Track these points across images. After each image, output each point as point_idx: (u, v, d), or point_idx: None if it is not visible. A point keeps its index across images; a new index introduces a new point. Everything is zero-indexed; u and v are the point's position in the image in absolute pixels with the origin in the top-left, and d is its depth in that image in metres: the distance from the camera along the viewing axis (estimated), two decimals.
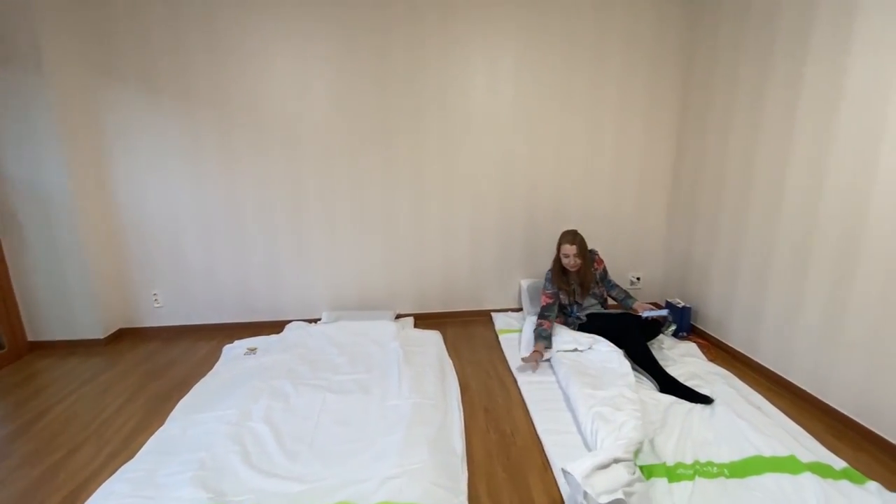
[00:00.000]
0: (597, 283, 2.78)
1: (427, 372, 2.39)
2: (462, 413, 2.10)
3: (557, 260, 2.71)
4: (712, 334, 2.89)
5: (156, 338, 3.11)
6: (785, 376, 2.35)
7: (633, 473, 1.51)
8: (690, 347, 2.74)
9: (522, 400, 2.25)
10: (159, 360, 2.77)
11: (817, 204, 2.13)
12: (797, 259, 2.25)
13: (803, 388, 2.24)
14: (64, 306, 2.90)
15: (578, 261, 2.62)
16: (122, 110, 2.83)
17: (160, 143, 2.89)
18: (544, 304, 2.70)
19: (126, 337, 3.13)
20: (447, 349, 2.79)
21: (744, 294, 2.61)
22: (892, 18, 1.79)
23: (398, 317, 3.31)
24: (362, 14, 2.84)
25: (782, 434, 1.86)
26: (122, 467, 1.74)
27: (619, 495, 1.37)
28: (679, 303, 2.95)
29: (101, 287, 2.94)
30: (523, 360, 2.53)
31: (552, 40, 2.99)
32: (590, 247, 2.78)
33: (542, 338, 2.57)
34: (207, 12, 2.75)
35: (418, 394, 2.16)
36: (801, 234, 2.22)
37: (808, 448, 1.79)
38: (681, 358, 2.58)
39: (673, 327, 2.87)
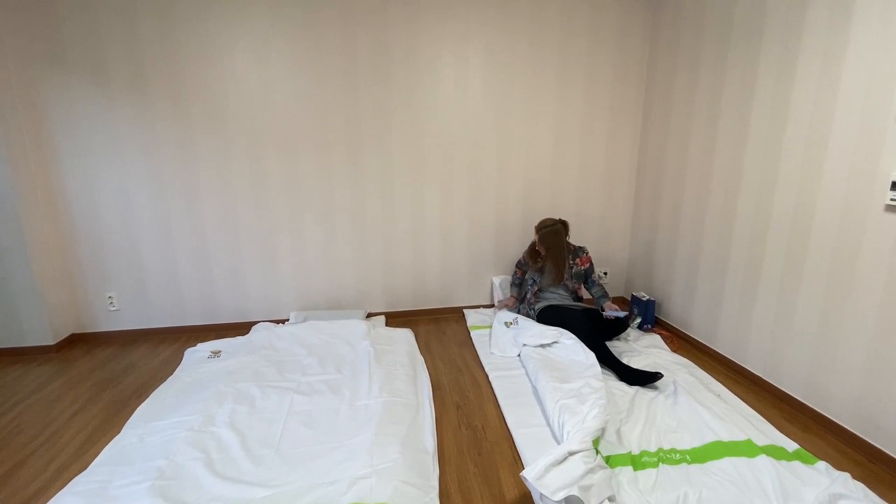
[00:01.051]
0: (570, 277, 2.85)
1: (398, 370, 2.37)
2: (433, 410, 2.10)
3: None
4: (675, 326, 2.99)
5: (112, 343, 2.96)
6: (741, 364, 2.46)
7: (593, 462, 1.54)
8: (655, 339, 2.83)
9: (494, 395, 2.26)
10: (116, 366, 2.64)
11: (769, 205, 2.24)
12: (751, 254, 2.35)
13: (758, 374, 2.35)
14: (8, 311, 2.71)
15: (542, 250, 2.84)
16: (70, 102, 2.66)
17: (113, 136, 2.74)
18: (520, 260, 3.13)
19: (79, 342, 2.96)
20: (419, 347, 2.78)
21: (704, 287, 2.71)
22: (836, 27, 1.90)
23: (369, 315, 3.27)
24: (326, 7, 2.77)
25: (739, 419, 1.94)
26: (73, 480, 1.64)
27: (574, 491, 1.39)
28: (644, 296, 3.03)
29: (49, 290, 2.77)
30: (498, 304, 3.19)
31: (518, 39, 3.02)
32: (579, 244, 3.03)
33: (513, 285, 3.16)
34: (162, 6, 2.62)
35: (389, 392, 2.14)
36: (754, 231, 2.33)
37: (763, 432, 1.87)
38: (645, 349, 2.66)
39: (638, 320, 2.97)
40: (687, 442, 1.82)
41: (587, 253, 2.94)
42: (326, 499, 1.49)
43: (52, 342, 2.80)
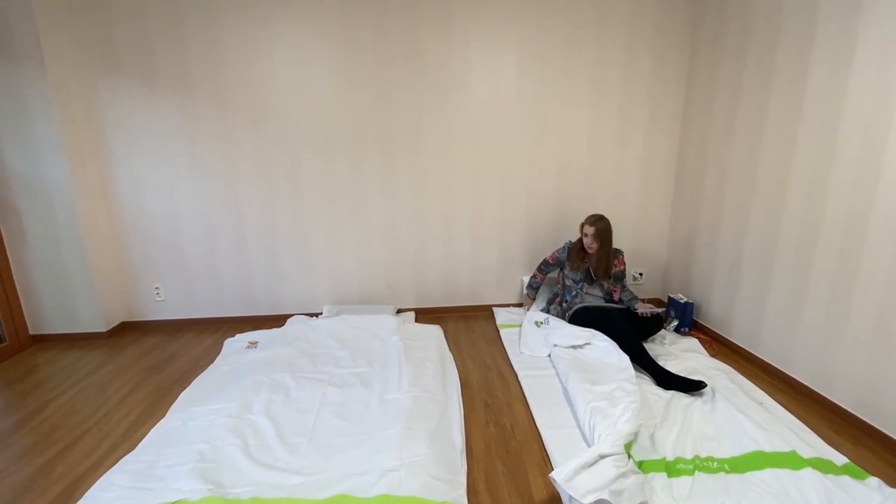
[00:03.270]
0: (609, 278, 2.78)
1: (427, 366, 2.39)
2: (462, 407, 2.10)
3: (580, 236, 2.82)
4: (714, 330, 2.88)
5: (158, 331, 3.12)
6: (786, 371, 2.34)
7: (625, 466, 1.51)
8: (692, 343, 2.73)
9: (523, 394, 2.25)
10: (161, 353, 2.78)
11: (822, 201, 2.11)
12: (800, 255, 2.23)
13: (805, 382, 2.23)
14: (65, 300, 2.91)
15: (595, 245, 2.71)
16: (121, 104, 2.82)
17: (160, 136, 2.88)
18: (545, 260, 3.00)
19: (128, 330, 3.14)
20: (448, 344, 2.79)
21: (747, 289, 2.60)
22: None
23: (399, 311, 3.31)
24: (361, 8, 2.81)
25: (783, 429, 1.85)
26: (123, 459, 1.74)
27: (604, 495, 1.36)
28: (681, 298, 2.93)
29: (102, 281, 2.95)
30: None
31: (553, 32, 2.97)
32: (616, 246, 2.89)
33: (532, 288, 3.12)
34: (207, 4, 2.73)
35: (418, 387, 2.16)
36: (804, 230, 2.21)
37: (809, 443, 1.78)
38: (682, 353, 2.57)
39: (674, 323, 2.88)
40: (726, 450, 1.75)
41: (623, 255, 2.87)
42: (356, 489, 1.52)
43: (104, 329, 2.98)
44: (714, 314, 2.89)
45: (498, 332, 3.01)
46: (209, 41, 2.78)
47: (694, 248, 3.08)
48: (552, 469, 1.71)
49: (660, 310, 2.67)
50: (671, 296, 3.00)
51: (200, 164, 2.95)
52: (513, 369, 2.49)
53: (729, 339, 2.75)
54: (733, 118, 2.65)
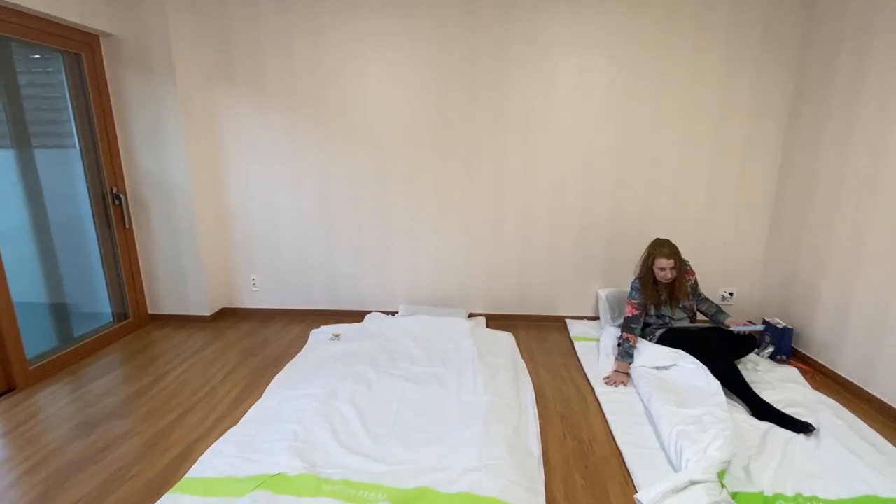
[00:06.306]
0: (688, 296, 2.64)
1: (501, 372, 2.41)
2: (537, 416, 2.10)
3: (649, 269, 2.54)
4: (817, 360, 2.62)
5: (252, 318, 3.42)
6: None
7: (718, 495, 1.43)
8: (790, 372, 2.50)
9: (600, 410, 2.19)
10: (256, 338, 3.05)
11: None
12: None
13: None
14: (179, 285, 3.28)
15: (674, 274, 2.48)
16: (235, 113, 3.14)
17: (265, 142, 3.17)
18: (630, 314, 2.55)
19: (227, 315, 3.48)
20: (520, 352, 2.79)
21: (860, 317, 2.34)
22: None
23: (470, 315, 3.35)
24: (451, 20, 2.91)
25: None
26: (229, 431, 1.94)
27: None
28: (779, 323, 2.70)
29: (209, 270, 3.29)
30: (605, 381, 2.42)
31: (646, 39, 2.88)
32: (698, 256, 2.68)
33: (628, 355, 2.47)
34: (312, 26, 2.96)
35: (493, 393, 2.18)
36: None
37: None
38: (780, 383, 2.37)
39: (770, 349, 2.66)
40: (833, 491, 1.60)
41: (689, 265, 2.66)
42: (438, 483, 1.58)
43: (208, 313, 3.32)
44: (817, 342, 2.63)
45: (572, 344, 2.95)
46: (310, 54, 3.01)
47: (796, 268, 2.82)
48: (633, 489, 1.67)
49: (759, 326, 2.45)
50: (767, 320, 2.77)
51: (297, 168, 3.21)
52: (589, 384, 2.44)
53: (835, 371, 2.49)
54: (847, 137, 2.41)
